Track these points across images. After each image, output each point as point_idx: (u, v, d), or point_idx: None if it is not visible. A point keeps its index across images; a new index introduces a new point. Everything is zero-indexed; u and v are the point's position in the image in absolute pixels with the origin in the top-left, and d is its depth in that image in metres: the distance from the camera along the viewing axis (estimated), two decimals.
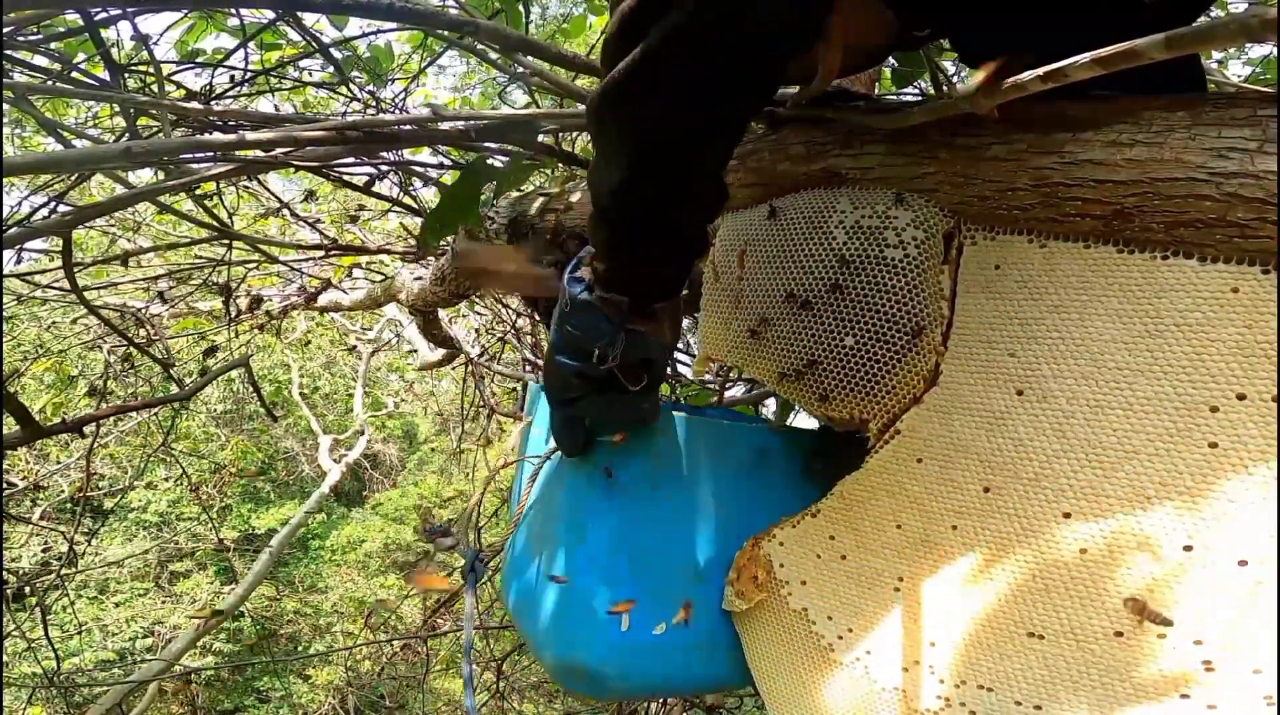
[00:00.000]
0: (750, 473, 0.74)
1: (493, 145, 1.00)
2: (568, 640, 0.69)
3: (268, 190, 2.32)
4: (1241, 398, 0.48)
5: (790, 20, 0.46)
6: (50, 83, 1.22)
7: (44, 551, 5.09)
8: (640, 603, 0.69)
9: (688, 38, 0.45)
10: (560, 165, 1.30)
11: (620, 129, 0.52)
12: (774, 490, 0.75)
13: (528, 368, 2.37)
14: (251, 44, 1.51)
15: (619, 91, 0.49)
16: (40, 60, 1.33)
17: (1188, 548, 0.49)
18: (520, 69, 1.13)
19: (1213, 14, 0.63)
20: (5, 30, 1.02)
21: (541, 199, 1.05)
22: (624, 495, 0.70)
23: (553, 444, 0.74)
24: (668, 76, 0.47)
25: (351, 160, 1.18)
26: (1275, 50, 1.64)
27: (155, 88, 1.29)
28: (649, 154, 0.52)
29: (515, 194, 1.14)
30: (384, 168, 1.59)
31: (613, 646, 0.68)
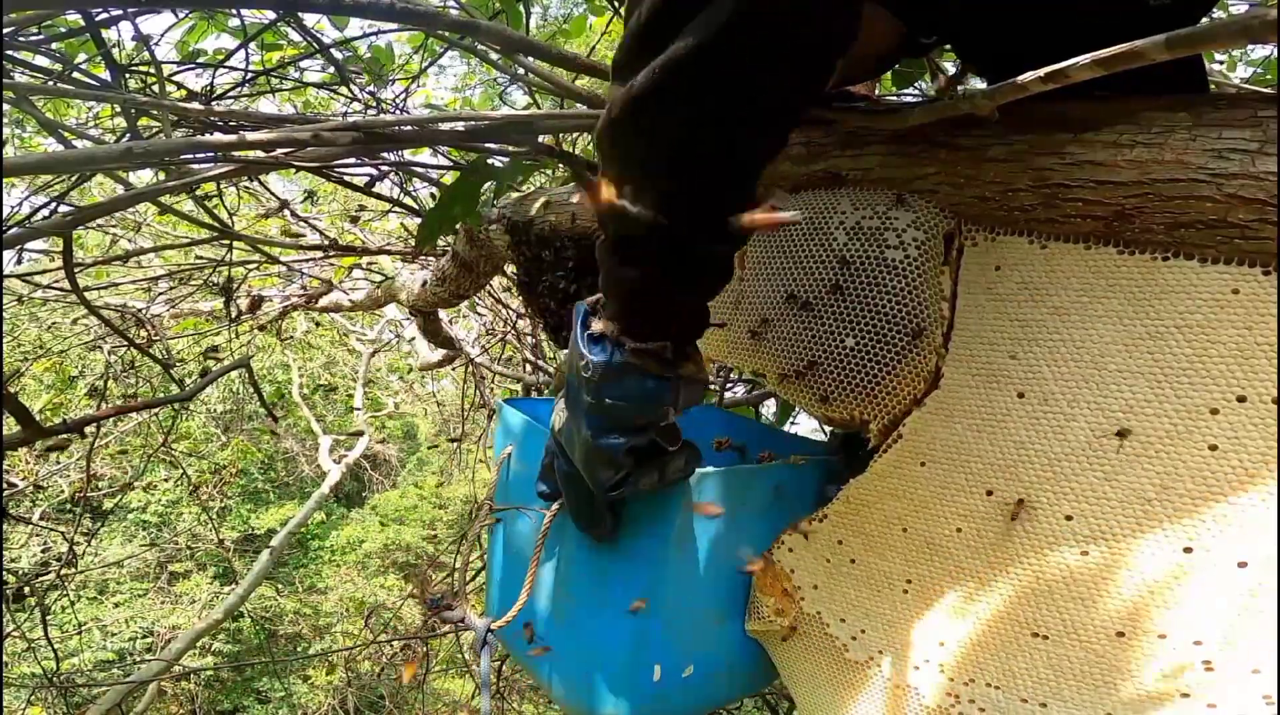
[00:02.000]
0: (767, 511, 0.73)
1: (493, 146, 1.00)
2: (601, 696, 0.67)
3: (268, 191, 2.32)
4: (1242, 400, 0.48)
5: (836, 12, 0.41)
6: (51, 83, 1.22)
7: (44, 551, 5.09)
8: (669, 654, 0.68)
9: (742, 28, 0.39)
10: (560, 166, 1.31)
11: (656, 138, 0.44)
12: (792, 520, 0.73)
13: (528, 368, 2.37)
14: (252, 44, 1.51)
15: (657, 93, 0.42)
16: (41, 60, 1.33)
17: (1188, 549, 0.49)
18: (521, 70, 1.13)
19: (1213, 15, 0.63)
20: (5, 30, 1.02)
21: (542, 199, 1.05)
22: (647, 561, 0.67)
23: (555, 506, 0.69)
24: (717, 75, 0.40)
25: (352, 161, 1.18)
26: (1276, 51, 1.64)
27: (156, 88, 1.29)
28: (691, 169, 0.44)
29: (515, 194, 1.14)
30: (384, 168, 1.59)
31: (645, 697, 0.67)
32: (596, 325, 0.54)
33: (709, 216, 0.47)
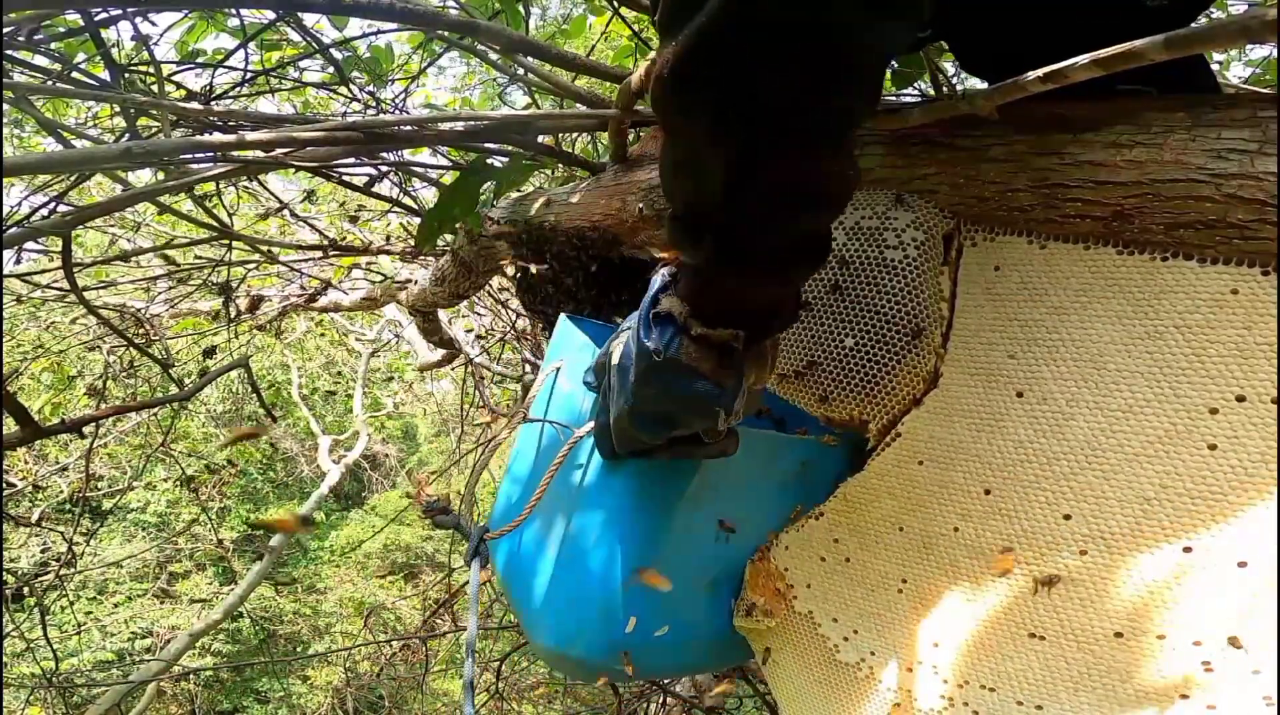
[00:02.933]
0: (791, 485, 0.71)
1: (493, 146, 1.00)
2: (568, 633, 0.67)
3: (268, 191, 2.32)
4: (1241, 400, 0.48)
5: None
6: (50, 83, 1.22)
7: (43, 552, 5.09)
8: (650, 608, 0.67)
9: (740, 23, 0.35)
10: (560, 166, 1.31)
11: (724, 92, 0.38)
12: (809, 501, 0.72)
13: (528, 368, 2.37)
14: (252, 44, 1.51)
15: (720, 38, 0.36)
16: (40, 60, 1.33)
17: (1187, 549, 0.49)
18: (521, 70, 1.14)
19: (1213, 14, 0.63)
20: (5, 30, 1.02)
21: (542, 199, 1.05)
22: (659, 507, 0.65)
23: (586, 426, 0.66)
24: (718, 68, 0.37)
25: (352, 161, 1.18)
26: (1275, 51, 1.64)
27: (155, 88, 1.29)
28: (770, 122, 0.38)
29: (515, 194, 1.14)
30: (384, 168, 1.59)
31: (613, 645, 0.66)
32: (665, 302, 0.48)
33: (799, 171, 0.41)
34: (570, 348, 0.76)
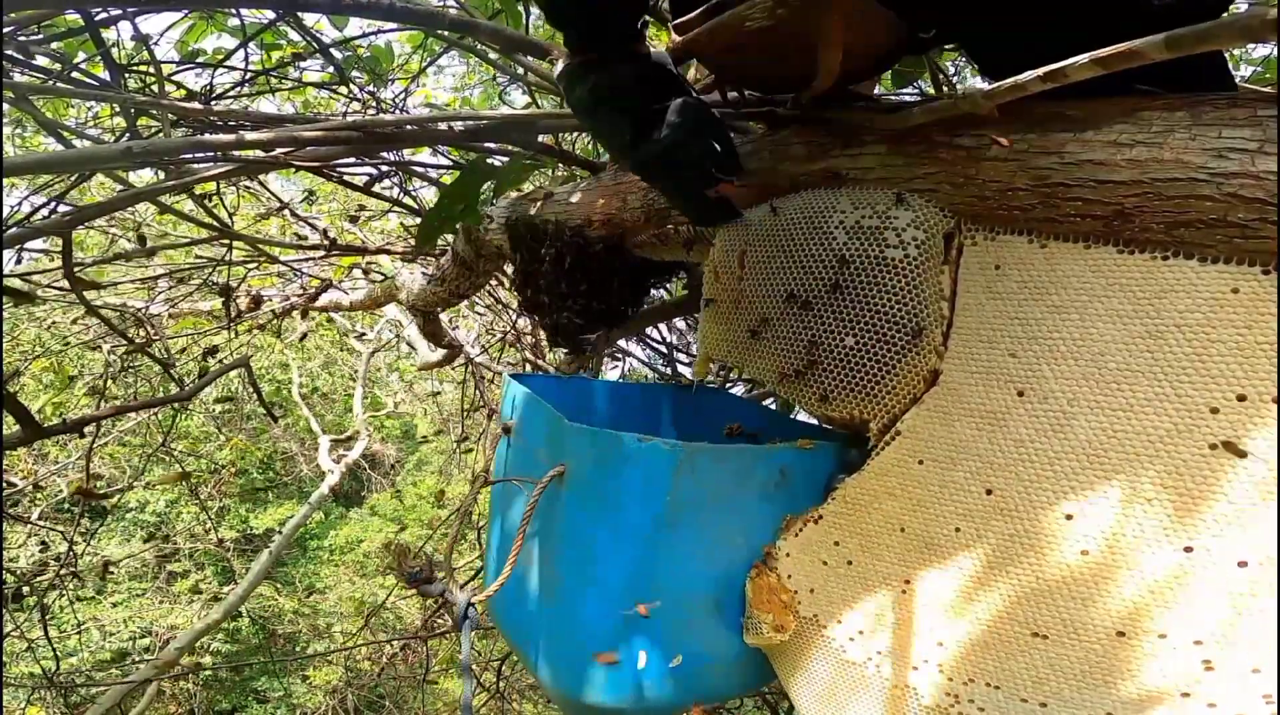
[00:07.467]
0: (772, 495, 0.70)
1: (493, 145, 1.00)
2: (583, 680, 0.66)
3: (268, 190, 2.32)
4: (1241, 399, 0.48)
5: None
6: (50, 83, 1.22)
7: (42, 551, 5.09)
8: (656, 639, 0.66)
9: None
10: (560, 165, 1.31)
11: None
12: (797, 508, 0.72)
13: (528, 368, 2.37)
14: (252, 44, 1.52)
15: None
16: (40, 60, 1.33)
17: (1188, 549, 0.49)
18: (521, 69, 1.14)
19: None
20: (5, 30, 1.02)
21: (541, 198, 1.05)
22: (635, 537, 0.65)
23: (552, 471, 0.67)
24: None
25: (352, 161, 1.18)
26: (1275, 51, 1.64)
27: (155, 88, 1.29)
28: None
29: (515, 194, 1.14)
30: (384, 168, 1.59)
31: (629, 684, 0.65)
32: (564, 62, 0.66)
33: None
34: (517, 404, 0.78)
